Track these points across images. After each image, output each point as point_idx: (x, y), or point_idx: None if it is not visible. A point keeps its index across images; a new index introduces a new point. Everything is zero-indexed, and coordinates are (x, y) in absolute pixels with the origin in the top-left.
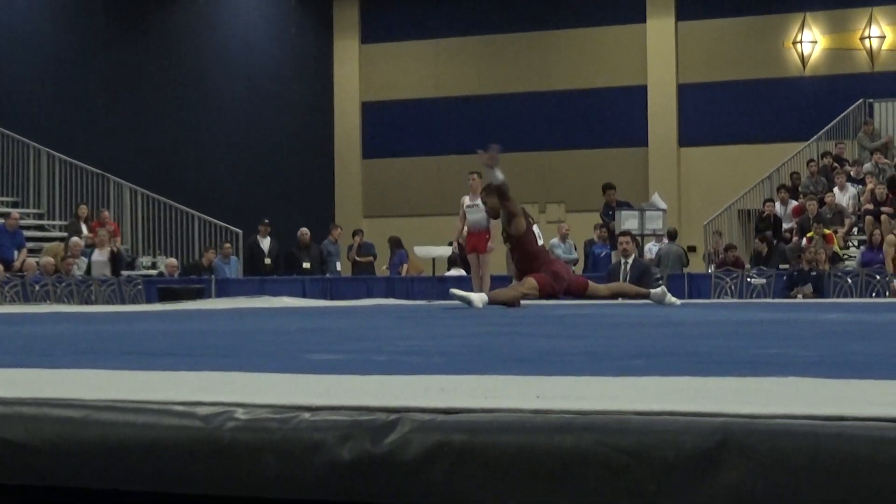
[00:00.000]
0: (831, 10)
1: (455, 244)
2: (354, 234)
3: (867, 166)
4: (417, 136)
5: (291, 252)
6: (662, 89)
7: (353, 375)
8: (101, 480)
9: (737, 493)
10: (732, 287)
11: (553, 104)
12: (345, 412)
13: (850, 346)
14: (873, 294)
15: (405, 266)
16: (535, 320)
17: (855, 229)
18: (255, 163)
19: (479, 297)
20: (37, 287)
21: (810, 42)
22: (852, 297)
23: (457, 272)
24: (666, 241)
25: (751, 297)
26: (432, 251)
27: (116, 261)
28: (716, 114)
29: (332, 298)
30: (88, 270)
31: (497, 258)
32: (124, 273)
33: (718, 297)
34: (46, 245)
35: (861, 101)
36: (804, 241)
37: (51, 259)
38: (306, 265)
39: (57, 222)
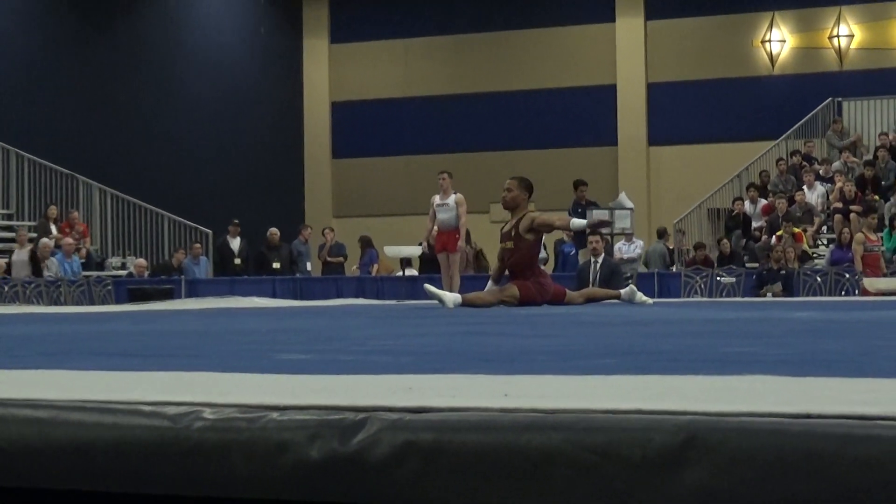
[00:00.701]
0: (800, 8)
1: (425, 244)
2: (324, 231)
3: (836, 165)
4: (387, 136)
5: (261, 252)
6: (632, 88)
7: (321, 375)
8: (68, 481)
9: (704, 490)
10: (702, 286)
11: (522, 103)
12: (313, 412)
13: (817, 345)
14: (843, 293)
15: (375, 266)
16: (505, 320)
17: (824, 228)
18: (225, 163)
19: (451, 298)
20: (6, 288)
21: (779, 41)
22: (822, 295)
23: (410, 272)
24: (636, 240)
25: (720, 296)
26: (402, 251)
27: (35, 261)
28: (685, 113)
29: (302, 299)
30: (8, 270)
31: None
32: (94, 273)
33: (688, 296)
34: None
35: (830, 99)
36: (773, 239)
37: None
38: (276, 265)
39: (26, 223)
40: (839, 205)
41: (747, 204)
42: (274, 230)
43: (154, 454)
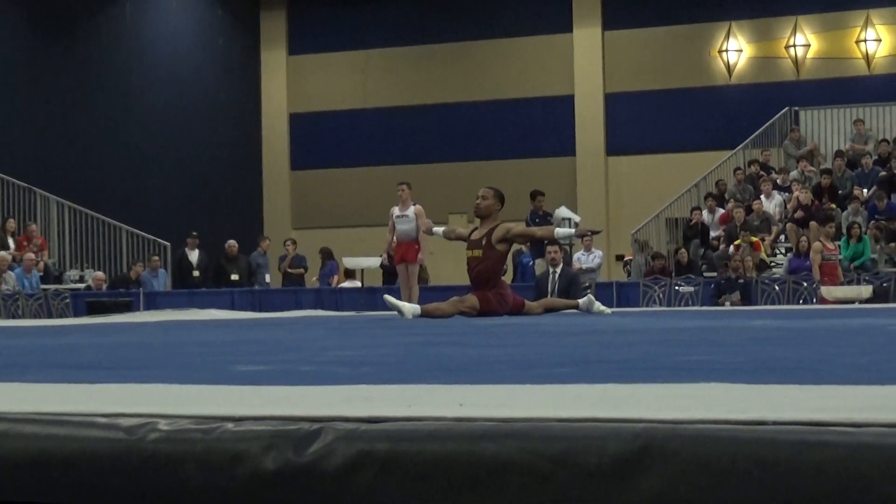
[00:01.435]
0: (756, 18)
1: (385, 255)
2: (286, 243)
3: (793, 174)
4: (346, 148)
5: (220, 264)
6: (590, 99)
7: (277, 386)
8: (22, 494)
9: (659, 497)
10: (661, 295)
11: (480, 114)
12: (268, 422)
13: (773, 352)
14: (801, 301)
15: (335, 277)
16: (463, 330)
17: (782, 236)
18: (183, 175)
19: (410, 308)
20: None
21: (736, 51)
22: (780, 304)
23: (351, 283)
24: (595, 250)
25: (679, 305)
26: (361, 262)
27: None
28: (643, 123)
29: (261, 310)
30: None
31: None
32: (52, 287)
33: (647, 306)
34: None
35: (787, 109)
36: (731, 248)
37: None
38: (234, 277)
39: None
40: (801, 214)
41: (705, 213)
42: (232, 242)
43: (109, 466)
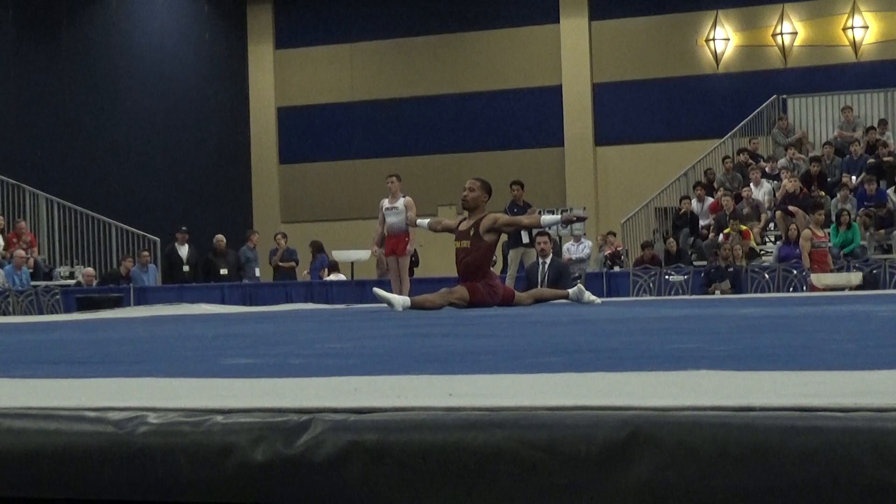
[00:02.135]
0: (743, 7)
1: (375, 248)
2: (276, 237)
3: (782, 162)
4: (334, 141)
5: (209, 259)
6: (577, 89)
7: (266, 378)
8: (12, 488)
9: (648, 484)
10: (651, 285)
11: (468, 106)
12: (257, 414)
13: (762, 340)
14: (791, 289)
15: (326, 270)
16: (452, 321)
17: (771, 225)
18: (172, 170)
19: (400, 300)
20: None
21: (723, 39)
22: (770, 292)
23: (336, 276)
24: (585, 240)
25: (669, 295)
26: (351, 255)
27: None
28: (631, 112)
29: (251, 304)
30: None
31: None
32: (42, 283)
33: (637, 295)
34: None
35: (774, 97)
36: (721, 237)
37: None
38: (224, 271)
39: None
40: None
41: (694, 202)
42: (220, 237)
43: (98, 460)
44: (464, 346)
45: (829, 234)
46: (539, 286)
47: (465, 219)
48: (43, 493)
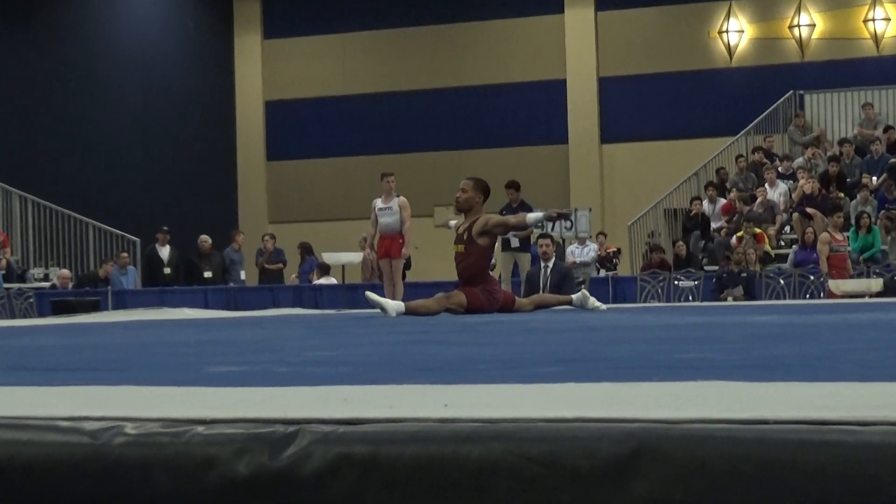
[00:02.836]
0: None
1: (368, 250)
2: (264, 238)
3: (798, 161)
4: (325, 137)
5: (192, 261)
6: (582, 83)
7: (251, 387)
8: None
9: (653, 501)
10: (659, 290)
11: (467, 100)
12: (241, 425)
13: (776, 349)
14: (807, 296)
15: (315, 273)
16: (448, 328)
17: (787, 227)
18: (153, 167)
19: (394, 305)
20: None
21: (737, 31)
22: (785, 298)
23: (326, 280)
24: (589, 243)
25: (679, 301)
26: (342, 257)
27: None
28: (639, 108)
29: (236, 309)
30: None
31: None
32: (15, 286)
33: (645, 302)
34: None
35: (791, 92)
36: (734, 240)
37: None
38: (208, 274)
39: None
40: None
41: (706, 203)
42: (205, 237)
43: (72, 472)
44: (460, 355)
45: (847, 237)
46: (541, 291)
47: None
48: None
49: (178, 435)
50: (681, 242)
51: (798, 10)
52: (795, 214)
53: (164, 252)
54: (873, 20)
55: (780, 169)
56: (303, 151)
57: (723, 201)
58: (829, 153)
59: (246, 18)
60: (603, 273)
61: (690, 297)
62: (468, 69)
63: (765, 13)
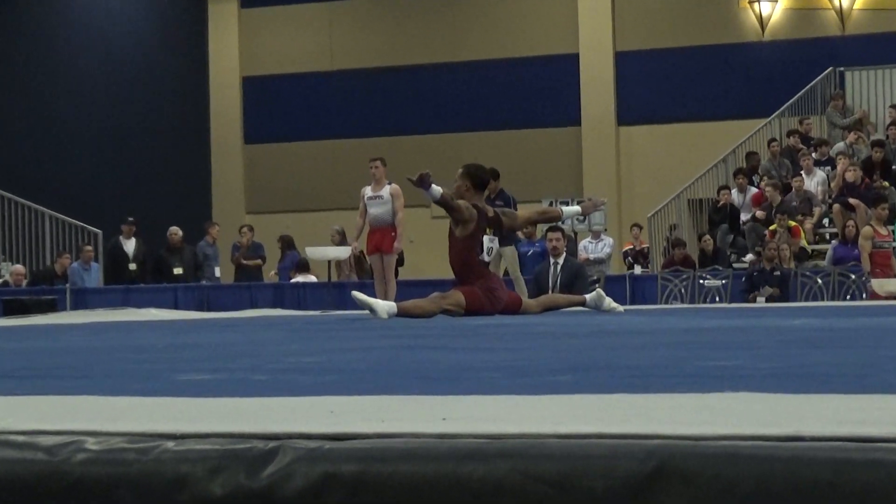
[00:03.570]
0: None
1: (355, 244)
2: (241, 230)
3: (839, 146)
4: (309, 117)
5: (160, 256)
6: (597, 58)
7: (227, 398)
8: None
9: None
10: (683, 290)
11: (468, 77)
12: (215, 440)
13: (813, 357)
14: (847, 296)
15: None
16: (447, 332)
17: (826, 220)
18: (116, 150)
19: (385, 306)
20: None
21: (770, 1)
22: (823, 300)
23: (304, 277)
24: (605, 237)
25: (704, 302)
26: (328, 252)
27: None
28: (660, 86)
29: (209, 310)
30: None
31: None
32: None
33: (667, 303)
34: None
35: (830, 69)
36: (766, 234)
37: None
38: (178, 271)
39: None
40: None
41: (734, 193)
42: (175, 229)
43: (27, 492)
44: (459, 362)
45: (893, 232)
46: (550, 291)
47: None
48: None
49: (146, 451)
50: (707, 236)
51: None
52: (836, 206)
53: (130, 246)
54: None
55: (817, 155)
56: (284, 133)
57: (753, 191)
58: (872, 137)
59: None
60: (639, 270)
61: (717, 298)
62: (469, 42)
63: None
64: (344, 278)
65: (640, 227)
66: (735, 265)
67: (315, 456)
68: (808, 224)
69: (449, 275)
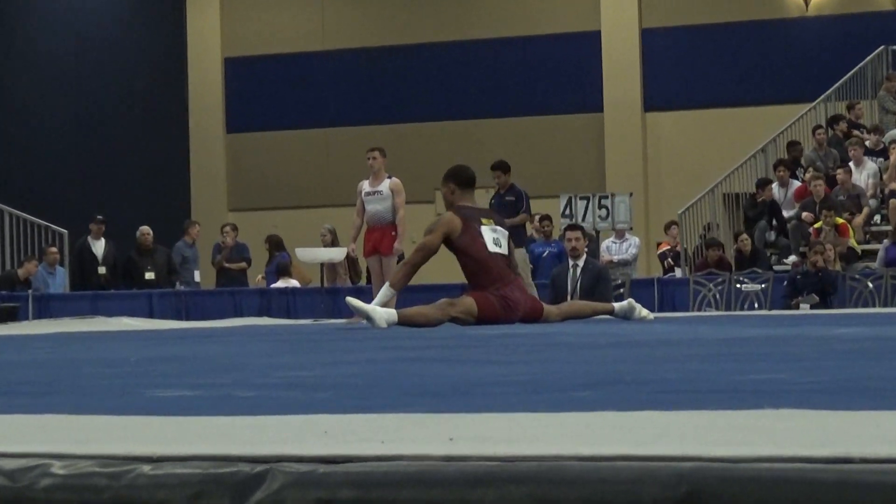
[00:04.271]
0: None
1: (352, 246)
2: (223, 229)
3: (892, 133)
4: (299, 103)
5: (131, 258)
6: (621, 36)
7: (208, 417)
8: None
9: None
10: (717, 296)
11: (477, 58)
12: (196, 463)
13: (863, 370)
14: None
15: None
16: (454, 342)
17: (877, 217)
18: (84, 141)
19: (383, 314)
20: None
21: None
22: (874, 306)
23: (285, 283)
24: (630, 236)
25: (742, 309)
26: (321, 254)
27: None
28: (691, 68)
29: (188, 318)
30: None
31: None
32: None
33: (700, 310)
34: None
35: (882, 48)
36: (811, 231)
37: None
38: (149, 276)
39: None
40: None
41: (775, 187)
42: (145, 229)
43: None
44: (468, 376)
45: None
46: (570, 297)
47: None
48: None
49: (119, 476)
50: (744, 236)
51: None
52: (893, 201)
53: (99, 247)
54: None
55: (868, 143)
56: (271, 121)
57: (796, 184)
58: None
59: None
60: (679, 274)
61: (756, 305)
62: (478, 18)
63: None
64: (340, 282)
65: (678, 225)
66: (776, 267)
67: (308, 480)
68: (858, 221)
69: (456, 278)
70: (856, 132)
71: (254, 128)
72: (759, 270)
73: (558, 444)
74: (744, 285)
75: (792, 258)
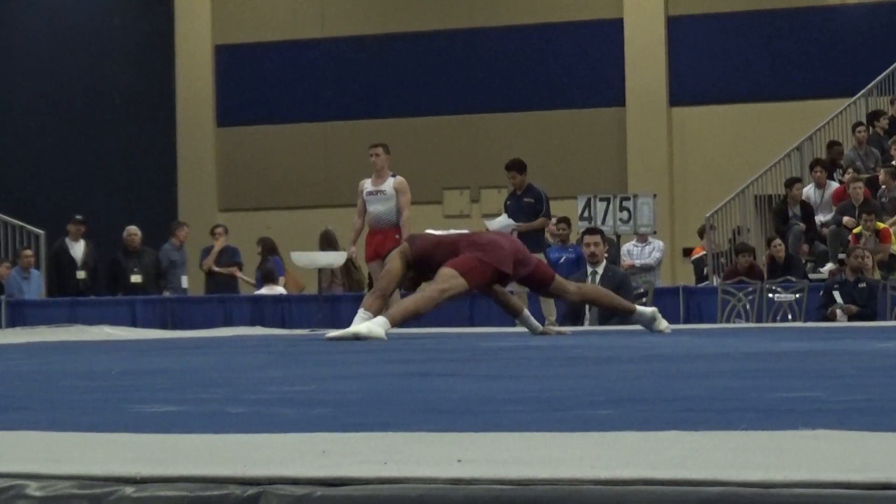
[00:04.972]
0: None
1: (353, 249)
2: (214, 230)
3: None
4: (295, 95)
5: (115, 261)
6: (645, 24)
7: (196, 434)
8: None
9: None
10: (748, 306)
11: (489, 47)
12: (183, 485)
13: None
14: None
15: (281, 279)
16: (462, 355)
17: None
18: (64, 136)
19: (371, 326)
20: None
21: None
22: None
23: (269, 290)
24: (653, 240)
25: (774, 321)
26: (317, 258)
27: None
28: (720, 59)
29: (175, 327)
30: None
31: None
32: None
33: (728, 321)
34: None
35: None
36: (850, 237)
37: None
38: (136, 279)
39: None
40: None
41: (811, 189)
42: (133, 229)
43: None
44: (477, 392)
45: None
46: (587, 307)
47: None
48: None
49: (99, 498)
50: (777, 241)
51: None
52: None
53: (77, 249)
54: None
55: None
56: (265, 114)
57: (834, 185)
58: None
59: None
60: (716, 282)
61: (790, 316)
62: (491, 4)
63: None
64: (336, 289)
65: (714, 228)
66: (811, 276)
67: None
68: None
69: None
70: None
71: (246, 121)
72: (794, 279)
73: (575, 467)
74: (777, 295)
75: (829, 266)
